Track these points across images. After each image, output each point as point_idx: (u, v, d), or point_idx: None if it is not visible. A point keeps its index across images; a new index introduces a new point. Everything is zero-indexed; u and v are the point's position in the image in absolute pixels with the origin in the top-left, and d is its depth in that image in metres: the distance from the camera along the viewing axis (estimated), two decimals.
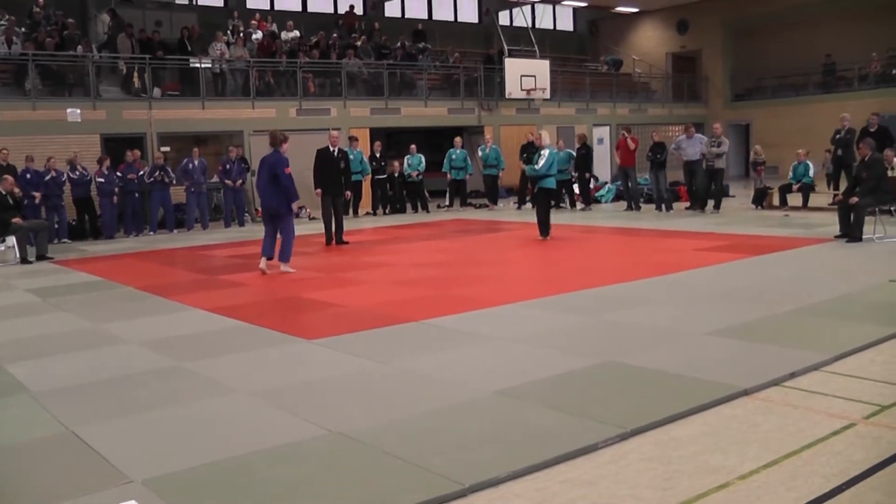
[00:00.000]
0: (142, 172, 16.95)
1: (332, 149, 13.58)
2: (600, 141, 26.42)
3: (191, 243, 14.90)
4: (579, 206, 19.44)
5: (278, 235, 10.50)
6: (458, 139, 20.54)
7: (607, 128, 26.96)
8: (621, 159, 18.39)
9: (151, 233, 16.99)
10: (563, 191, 19.89)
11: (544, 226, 12.73)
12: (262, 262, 10.45)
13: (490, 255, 11.47)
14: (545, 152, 12.55)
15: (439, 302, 7.97)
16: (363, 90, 22.46)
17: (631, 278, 8.86)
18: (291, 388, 5.31)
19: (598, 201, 20.65)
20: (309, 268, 11.07)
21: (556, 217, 17.75)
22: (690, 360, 5.54)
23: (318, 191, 13.45)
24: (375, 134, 22.06)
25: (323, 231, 13.96)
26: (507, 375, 5.36)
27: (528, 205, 20.38)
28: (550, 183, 12.63)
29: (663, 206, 17.58)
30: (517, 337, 6.41)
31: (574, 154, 19.57)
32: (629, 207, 18.29)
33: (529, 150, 20.13)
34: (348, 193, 14.00)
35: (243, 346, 6.53)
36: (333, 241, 13.55)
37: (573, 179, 19.76)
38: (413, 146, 20.51)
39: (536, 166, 12.55)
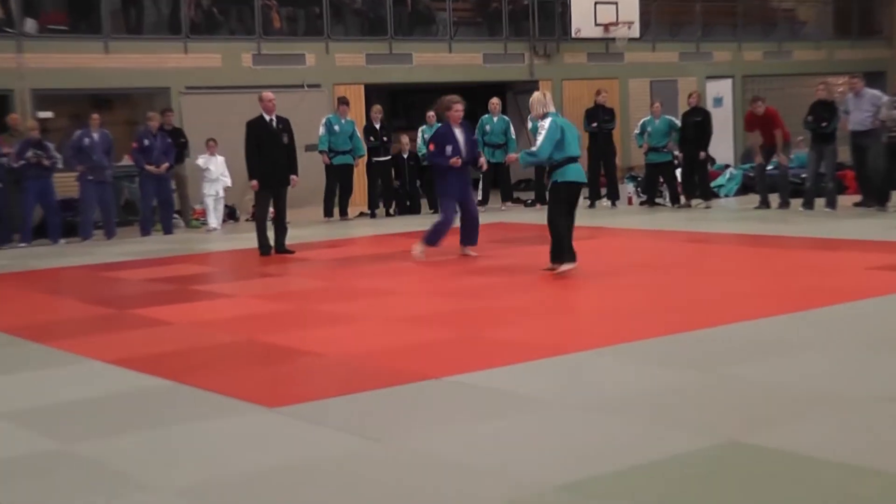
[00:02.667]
0: (8, 151, 17.05)
1: (267, 118, 14.55)
2: (717, 101, 26.43)
3: (87, 260, 15.08)
4: (686, 201, 19.54)
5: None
6: (494, 101, 20.58)
7: (728, 81, 26.94)
8: (763, 137, 18.23)
9: (23, 244, 17.17)
10: (661, 180, 19.85)
11: (558, 245, 11.65)
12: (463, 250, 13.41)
13: (543, 278, 11.50)
14: (546, 122, 11.65)
15: (468, 348, 8.00)
16: (355, 27, 22.66)
17: (765, 313, 8.85)
18: (241, 484, 5.28)
19: (715, 194, 20.69)
20: (265, 296, 11.21)
21: (650, 219, 17.71)
22: (860, 441, 5.46)
23: (255, 182, 14.48)
24: (374, 94, 22.23)
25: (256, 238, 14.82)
26: (573, 462, 5.31)
27: (607, 201, 20.38)
28: (570, 174, 11.62)
29: (823, 201, 17.41)
30: (587, 402, 6.38)
31: (679, 123, 19.57)
32: (763, 203, 18.28)
33: (601, 118, 20.15)
34: (295, 179, 14.89)
35: (167, 417, 6.52)
36: (273, 251, 14.55)
37: (676, 161, 19.71)
38: (431, 113, 20.59)
39: (533, 147, 11.83)
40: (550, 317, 9.39)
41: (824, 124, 17.24)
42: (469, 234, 13.48)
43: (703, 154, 19.41)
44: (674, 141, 19.58)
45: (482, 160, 13.62)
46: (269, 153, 14.43)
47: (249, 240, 15.54)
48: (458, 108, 13.40)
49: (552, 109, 11.78)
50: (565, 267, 11.46)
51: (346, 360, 7.85)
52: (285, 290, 11.70)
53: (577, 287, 10.99)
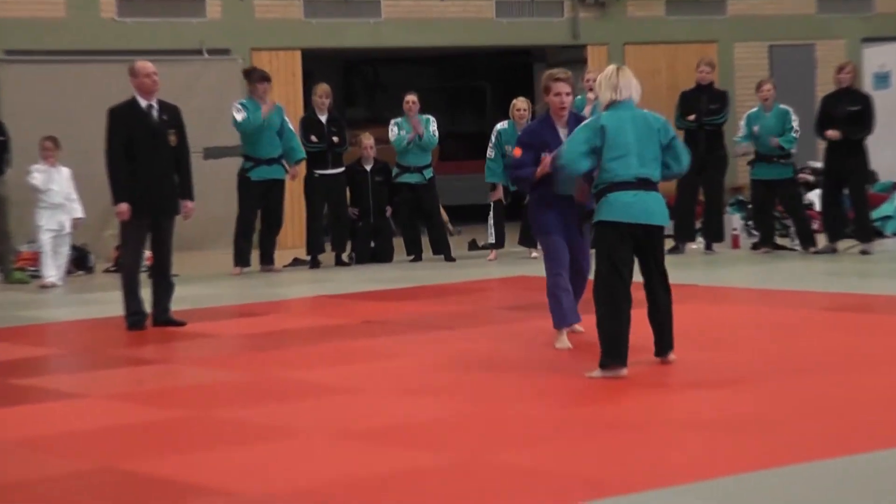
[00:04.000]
0: None
1: (144, 105, 14.54)
2: (882, 79, 26.39)
3: None
4: (830, 243, 19.62)
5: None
6: (520, 102, 20.59)
7: None
8: None
9: None
10: (780, 207, 19.89)
11: (611, 341, 11.23)
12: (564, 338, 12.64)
13: (584, 367, 11.45)
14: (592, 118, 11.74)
15: (463, 481, 7.95)
16: None
17: None
18: None
19: (878, 232, 20.88)
20: (136, 396, 11.16)
21: (770, 273, 17.71)
22: None
23: (124, 206, 14.29)
24: (319, 66, 22.21)
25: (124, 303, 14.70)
26: None
27: (701, 241, 20.39)
28: (615, 209, 11.16)
29: None
30: None
31: (794, 120, 19.78)
32: None
33: (704, 106, 20.09)
34: (188, 205, 14.85)
35: None
36: (150, 321, 14.59)
37: (811, 179, 19.73)
38: (410, 98, 20.88)
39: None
40: (595, 432, 9.34)
41: None
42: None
43: (857, 166, 19.41)
44: (785, 143, 19.54)
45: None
46: (146, 161, 14.34)
47: (111, 303, 15.50)
48: (560, 90, 12.43)
49: (627, 97, 11.33)
50: (604, 373, 10.97)
51: (271, 502, 7.80)
52: (170, 387, 11.63)
53: (639, 384, 10.90)
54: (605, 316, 11.07)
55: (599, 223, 11.16)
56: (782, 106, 19.94)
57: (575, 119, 12.56)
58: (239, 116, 19.16)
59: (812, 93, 22.19)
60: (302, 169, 19.86)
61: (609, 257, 11.09)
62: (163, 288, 14.64)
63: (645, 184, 11.07)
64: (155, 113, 14.49)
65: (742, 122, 20.38)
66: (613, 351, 10.92)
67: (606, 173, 11.06)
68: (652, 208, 11.12)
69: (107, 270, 19.96)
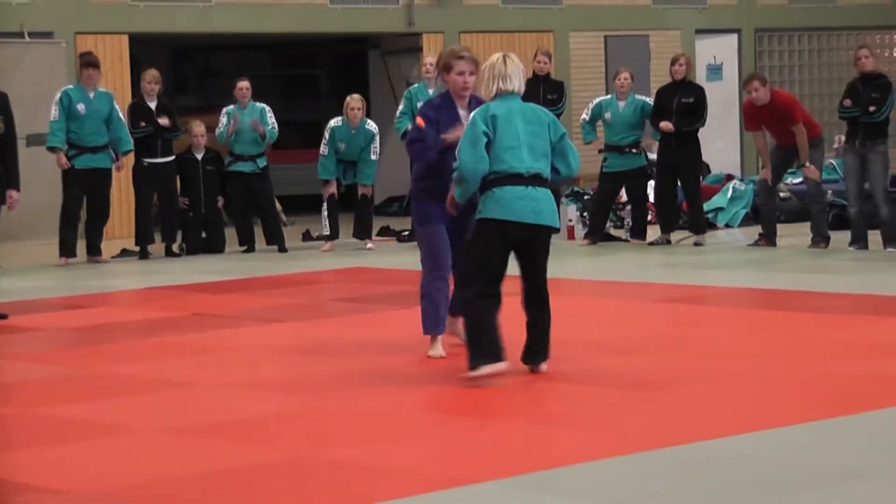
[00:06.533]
0: None
1: None
2: (714, 71, 26.72)
3: None
4: (663, 235, 19.96)
5: None
6: (354, 101, 20.91)
7: (732, 38, 27.30)
8: (775, 137, 18.84)
9: None
10: (621, 199, 20.36)
11: (475, 332, 10.86)
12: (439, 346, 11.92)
13: (424, 364, 11.62)
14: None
15: (299, 479, 7.98)
16: None
17: (790, 420, 8.90)
18: None
19: (710, 224, 21.22)
20: None
21: (604, 264, 17.84)
22: None
23: None
24: (147, 51, 22.03)
25: None
26: None
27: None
28: (500, 205, 10.68)
29: (877, 239, 17.96)
30: None
31: (650, 104, 20.13)
32: (766, 238, 18.82)
33: (543, 96, 20.18)
34: (13, 195, 14.70)
35: None
36: None
37: (649, 172, 20.30)
38: (243, 84, 20.95)
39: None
40: (432, 425, 9.47)
41: (872, 109, 17.61)
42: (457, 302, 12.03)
43: (691, 158, 19.82)
44: (654, 137, 20.09)
45: None
46: None
47: None
48: (464, 69, 11.57)
49: (516, 87, 10.88)
50: (483, 370, 10.45)
51: (96, 500, 7.69)
52: None
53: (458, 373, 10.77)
54: (472, 315, 10.80)
55: (483, 220, 10.68)
56: (639, 96, 20.29)
57: (476, 101, 11.72)
58: (52, 114, 19.04)
59: (647, 84, 22.43)
60: (128, 159, 19.73)
61: (486, 257, 10.72)
62: None
63: (536, 179, 10.63)
64: None
65: (589, 106, 20.64)
66: (485, 351, 10.48)
67: (494, 164, 10.55)
68: (542, 207, 10.64)
69: None
